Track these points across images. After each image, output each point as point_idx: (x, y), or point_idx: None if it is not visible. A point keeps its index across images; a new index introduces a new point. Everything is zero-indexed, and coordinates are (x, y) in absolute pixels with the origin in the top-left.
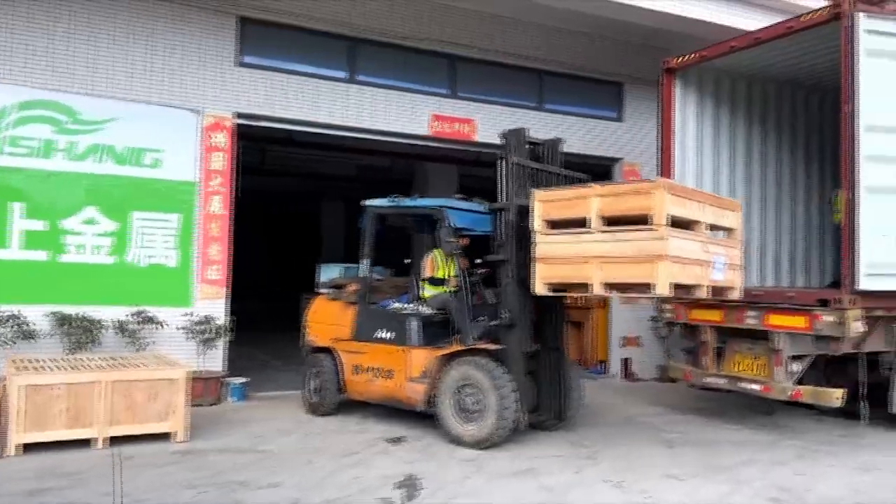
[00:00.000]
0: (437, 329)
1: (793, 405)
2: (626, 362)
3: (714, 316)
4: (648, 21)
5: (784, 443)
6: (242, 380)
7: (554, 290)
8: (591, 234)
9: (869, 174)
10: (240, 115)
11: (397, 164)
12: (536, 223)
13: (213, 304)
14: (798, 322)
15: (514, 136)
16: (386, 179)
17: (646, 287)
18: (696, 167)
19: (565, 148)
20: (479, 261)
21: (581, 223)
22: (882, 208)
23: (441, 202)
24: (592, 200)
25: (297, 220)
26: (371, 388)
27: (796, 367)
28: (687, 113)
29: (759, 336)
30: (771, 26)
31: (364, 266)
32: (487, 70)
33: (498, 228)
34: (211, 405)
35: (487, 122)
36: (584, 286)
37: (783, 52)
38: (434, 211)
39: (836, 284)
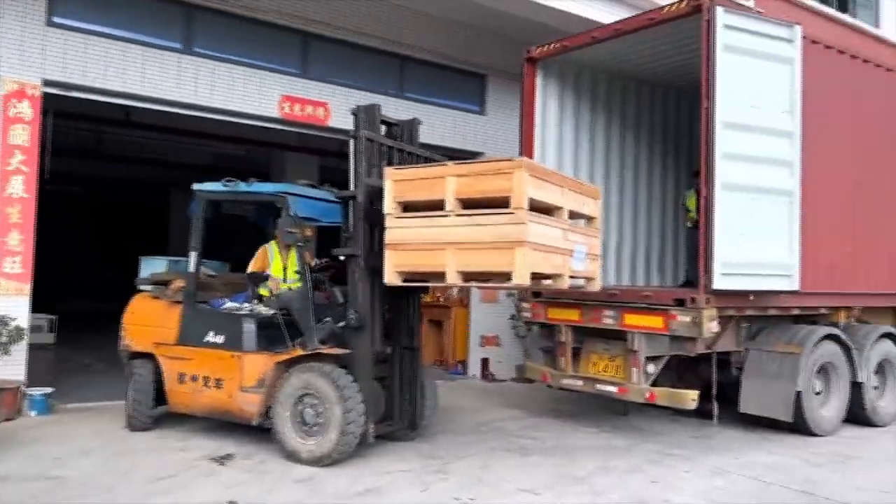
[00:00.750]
0: (277, 332)
1: (649, 405)
2: (484, 363)
3: (572, 315)
4: (513, 9)
5: (639, 447)
6: (47, 390)
7: (406, 280)
8: (446, 218)
9: (725, 172)
10: (49, 83)
11: (254, 152)
12: (389, 205)
13: (12, 303)
14: (655, 322)
15: (367, 112)
16: (243, 169)
17: (505, 277)
18: (557, 162)
19: (427, 140)
20: (320, 261)
21: (438, 206)
22: (737, 207)
23: (282, 188)
24: (448, 181)
25: (143, 212)
26: (198, 400)
27: (652, 368)
28: (548, 106)
29: (617, 336)
30: (633, 17)
31: (192, 260)
32: (344, 51)
33: (348, 218)
34: (5, 421)
35: (343, 107)
36: (439, 275)
37: (644, 46)
38: (274, 198)
39: (689, 284)
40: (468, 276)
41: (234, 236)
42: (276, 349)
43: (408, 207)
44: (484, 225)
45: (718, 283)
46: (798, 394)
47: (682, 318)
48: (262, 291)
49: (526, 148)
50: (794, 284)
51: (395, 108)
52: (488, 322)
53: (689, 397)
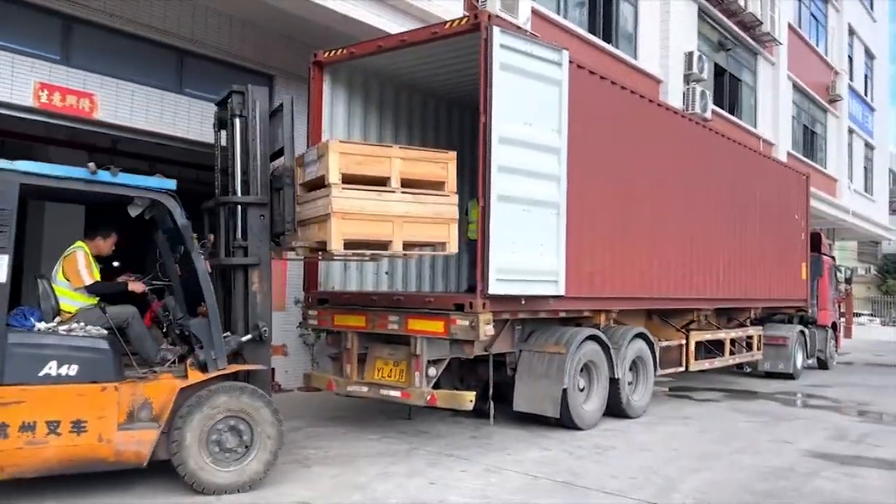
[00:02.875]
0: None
1: (431, 408)
2: (270, 373)
3: (358, 321)
4: (297, 9)
5: (420, 450)
6: None
7: (347, 248)
8: (393, 194)
9: (500, 184)
10: None
11: (10, 145)
12: (333, 175)
13: None
14: (436, 327)
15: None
16: None
17: (441, 245)
18: None
19: (208, 139)
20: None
21: (379, 182)
22: (511, 217)
23: (167, 184)
24: (395, 161)
25: None
26: (35, 455)
27: (433, 371)
28: (336, 111)
29: (401, 341)
30: (418, 29)
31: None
32: (114, 39)
33: (246, 222)
34: None
35: (112, 99)
36: (382, 244)
37: (429, 58)
38: (157, 195)
39: (471, 290)
40: (407, 245)
41: None
42: (132, 374)
43: (346, 180)
44: (425, 203)
45: (494, 288)
46: (564, 391)
47: (461, 322)
48: (67, 308)
49: None
50: (560, 290)
51: (175, 104)
52: (275, 331)
53: (467, 399)
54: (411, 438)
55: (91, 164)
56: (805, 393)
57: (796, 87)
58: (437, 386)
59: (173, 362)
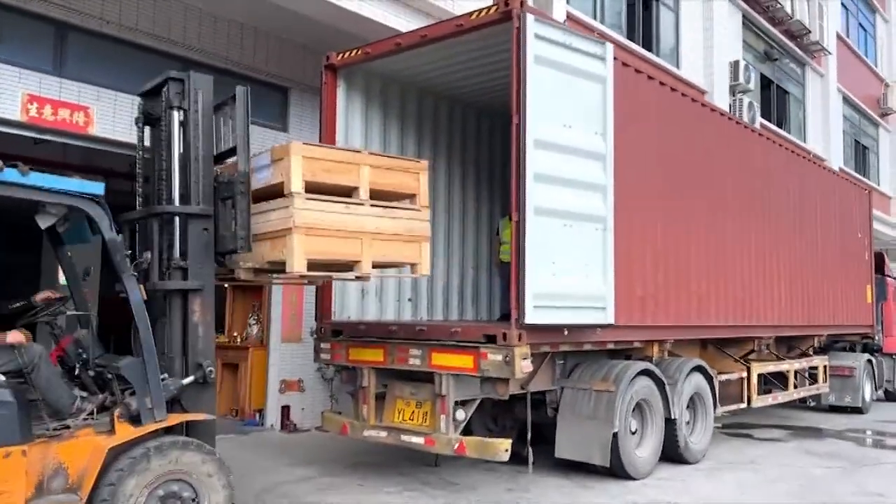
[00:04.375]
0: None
1: None
2: (285, 411)
3: (375, 356)
4: (305, 9)
5: None
6: None
7: (310, 269)
8: (362, 207)
9: (537, 195)
10: None
11: None
12: (295, 183)
13: None
14: (464, 362)
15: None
16: None
17: (412, 266)
18: None
19: None
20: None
21: (343, 192)
22: (549, 233)
23: (91, 187)
24: (363, 168)
25: None
26: None
27: (462, 414)
28: (352, 121)
29: (424, 378)
30: (440, 22)
31: None
32: (112, 48)
33: (186, 236)
34: None
35: (109, 114)
36: (348, 265)
37: (454, 57)
38: (78, 201)
39: (504, 318)
40: (376, 265)
41: None
42: (37, 433)
43: (308, 189)
44: (397, 218)
45: (531, 317)
46: (615, 435)
47: (494, 356)
48: None
49: None
50: (608, 317)
51: None
52: (291, 364)
53: (502, 448)
54: (437, 492)
55: (19, 164)
56: (880, 430)
57: (846, 99)
58: (467, 430)
59: (91, 414)
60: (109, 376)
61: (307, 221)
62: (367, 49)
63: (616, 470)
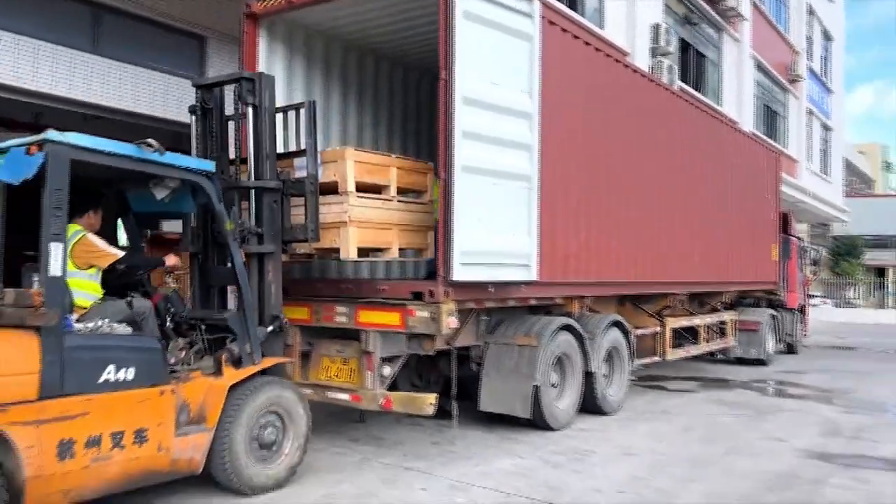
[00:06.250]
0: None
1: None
2: None
3: (301, 314)
4: None
5: (374, 462)
6: None
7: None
8: (391, 202)
9: (464, 153)
10: None
11: None
12: (350, 184)
13: None
14: (391, 319)
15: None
16: None
17: (423, 252)
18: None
19: (133, 107)
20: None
21: (376, 189)
22: (477, 191)
23: (206, 165)
24: (392, 170)
25: None
26: (102, 473)
27: (388, 370)
28: (273, 72)
29: (350, 336)
30: None
31: (54, 256)
32: None
33: (260, 209)
34: None
35: (10, 58)
36: (383, 250)
37: (381, 10)
38: (198, 178)
39: (431, 276)
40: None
41: None
42: (174, 371)
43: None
44: (414, 211)
45: (458, 274)
46: (536, 388)
47: (421, 313)
48: (82, 303)
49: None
50: (533, 274)
51: (89, 66)
52: None
53: (428, 402)
54: (363, 447)
55: (151, 141)
56: (782, 380)
57: (759, 65)
58: (392, 386)
59: (187, 360)
60: (203, 328)
61: (358, 216)
62: None
63: (537, 421)
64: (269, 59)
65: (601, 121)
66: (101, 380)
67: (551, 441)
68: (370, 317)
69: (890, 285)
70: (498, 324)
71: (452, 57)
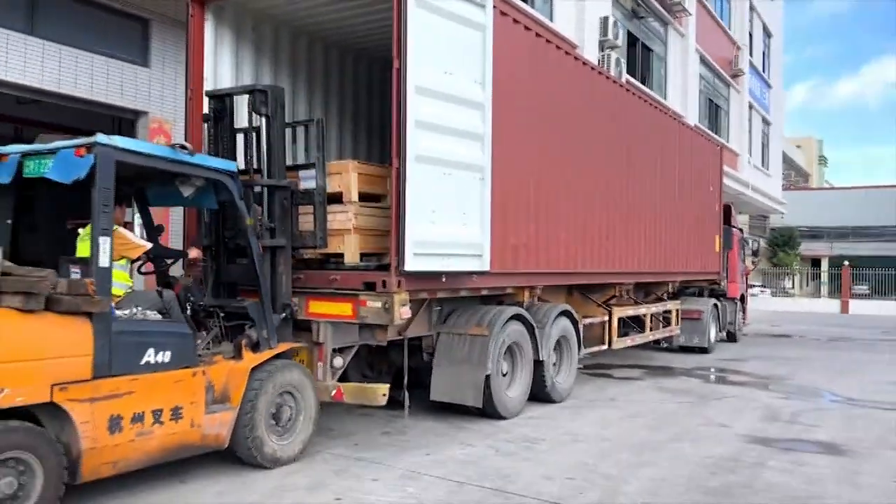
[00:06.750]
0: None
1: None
2: None
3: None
4: None
5: (325, 453)
6: None
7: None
8: (386, 210)
9: (417, 142)
10: None
11: None
12: (354, 194)
13: None
14: (343, 310)
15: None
16: None
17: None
18: None
19: (75, 92)
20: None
21: (374, 198)
22: (429, 181)
23: (229, 164)
24: (388, 180)
25: None
26: (143, 447)
27: (339, 361)
28: (221, 60)
29: (301, 327)
30: None
31: (102, 248)
32: None
33: (272, 206)
34: None
35: None
36: (381, 255)
37: None
38: (220, 176)
39: (383, 267)
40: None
41: None
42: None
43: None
44: (388, 217)
45: (411, 264)
46: (487, 377)
47: (373, 303)
48: (116, 291)
49: (194, 107)
50: (485, 265)
51: (24, 48)
52: None
53: (380, 393)
54: (314, 438)
55: (185, 143)
56: (723, 368)
57: (703, 60)
58: (343, 377)
59: (207, 344)
60: (223, 315)
61: (360, 224)
62: None
63: (488, 410)
64: (216, 43)
65: (551, 112)
66: (143, 362)
67: (502, 429)
68: (321, 307)
69: (824, 275)
70: (450, 314)
71: (405, 46)
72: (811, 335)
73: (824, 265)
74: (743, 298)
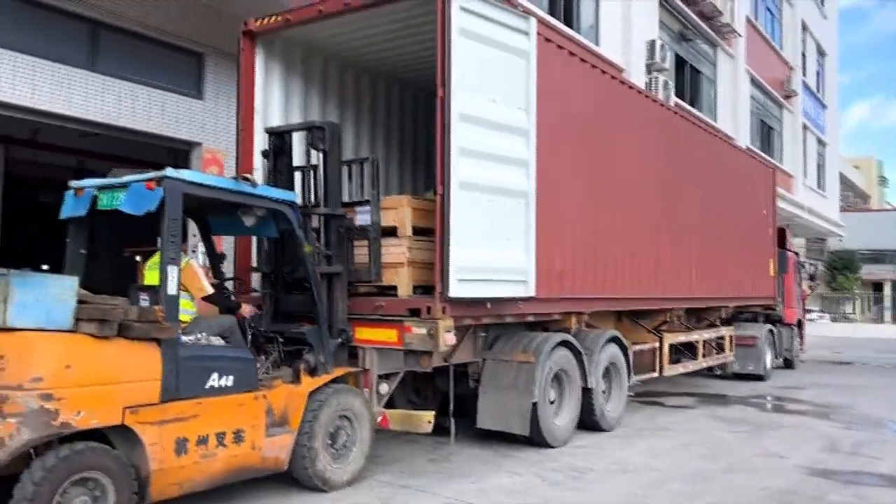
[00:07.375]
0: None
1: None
2: None
3: None
4: None
5: (371, 480)
6: None
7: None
8: (432, 243)
9: (461, 169)
10: None
11: None
12: (408, 229)
13: None
14: (388, 336)
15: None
16: None
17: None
18: None
19: (130, 124)
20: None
21: (426, 232)
22: (473, 207)
23: (289, 195)
24: (436, 213)
25: None
26: (207, 468)
27: (385, 388)
28: (271, 92)
29: (349, 354)
30: None
31: (171, 277)
32: (13, 7)
33: (329, 235)
34: None
35: (11, 75)
36: (429, 288)
37: (378, 28)
38: (281, 206)
39: (427, 292)
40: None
41: None
42: (260, 380)
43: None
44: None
45: (455, 290)
46: (534, 405)
47: (418, 330)
48: (184, 318)
49: (245, 138)
50: (530, 290)
51: (87, 83)
52: None
53: (426, 419)
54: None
55: (249, 175)
56: (780, 396)
57: (754, 81)
58: (389, 404)
59: (266, 369)
60: (282, 340)
61: (413, 257)
62: (287, 15)
63: (535, 438)
64: (266, 77)
65: (597, 137)
66: (207, 386)
67: (549, 458)
68: (367, 334)
69: (886, 299)
70: (495, 340)
71: (449, 74)
72: (873, 362)
73: (887, 289)
74: (800, 324)
